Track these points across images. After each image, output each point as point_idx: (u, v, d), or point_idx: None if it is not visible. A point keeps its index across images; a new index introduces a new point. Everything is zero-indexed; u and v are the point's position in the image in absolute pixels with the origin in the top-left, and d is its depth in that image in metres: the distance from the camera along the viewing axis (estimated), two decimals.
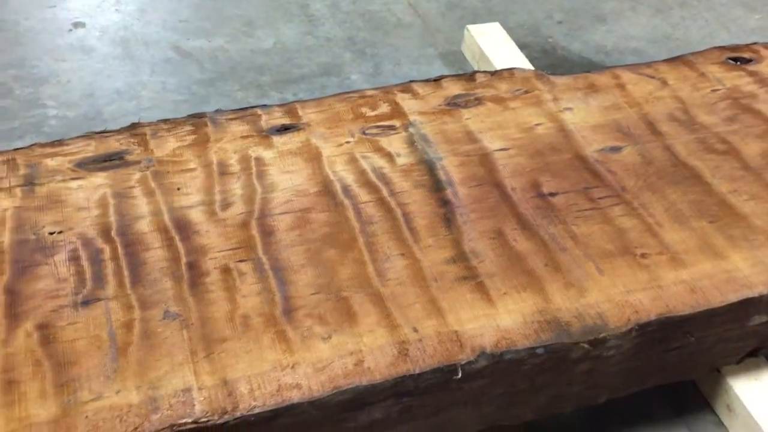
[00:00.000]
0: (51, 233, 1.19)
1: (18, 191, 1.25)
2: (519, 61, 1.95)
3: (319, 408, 0.99)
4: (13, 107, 1.83)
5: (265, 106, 1.45)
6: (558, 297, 1.14)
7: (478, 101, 1.51)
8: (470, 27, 2.09)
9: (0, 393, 0.97)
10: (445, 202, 1.28)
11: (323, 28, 2.18)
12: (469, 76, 1.57)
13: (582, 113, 1.50)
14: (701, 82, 1.58)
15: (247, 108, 1.45)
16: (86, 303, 1.09)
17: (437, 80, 1.55)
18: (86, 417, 0.95)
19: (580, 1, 2.41)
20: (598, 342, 1.09)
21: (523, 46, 2.08)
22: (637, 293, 1.15)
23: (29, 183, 1.27)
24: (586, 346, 1.09)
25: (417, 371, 1.03)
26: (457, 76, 1.57)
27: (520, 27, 2.27)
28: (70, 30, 2.11)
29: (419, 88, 1.53)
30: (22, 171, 1.29)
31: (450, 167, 1.35)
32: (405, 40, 2.18)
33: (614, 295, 1.14)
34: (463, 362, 1.04)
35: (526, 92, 1.54)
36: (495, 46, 2.02)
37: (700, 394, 1.32)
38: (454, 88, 1.54)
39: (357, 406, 1.02)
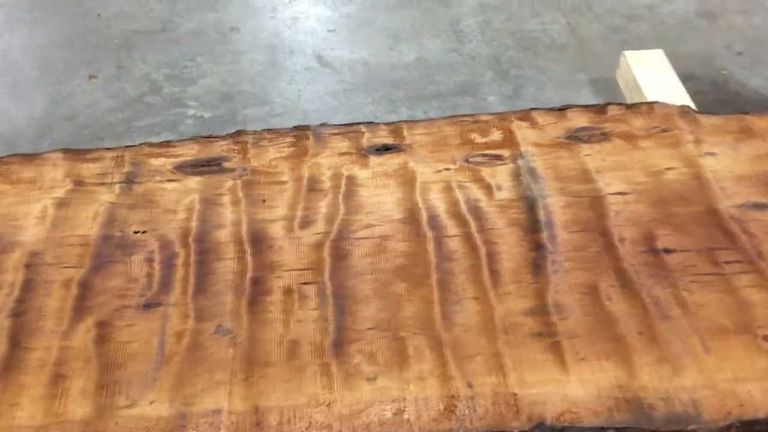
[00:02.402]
0: (135, 232, 1.21)
1: (117, 188, 1.29)
2: (677, 94, 1.75)
3: None
4: (158, 105, 1.93)
5: (371, 123, 1.40)
6: (646, 373, 0.97)
7: (604, 136, 1.35)
8: (627, 53, 1.91)
9: (46, 385, 0.99)
10: (538, 246, 1.15)
11: (469, 46, 2.10)
12: (600, 108, 1.42)
13: (727, 160, 1.30)
14: None
15: (352, 124, 1.41)
16: (147, 306, 1.09)
17: (562, 110, 1.42)
18: (116, 423, 0.95)
19: None
20: None
21: (688, 78, 1.87)
22: (747, 382, 0.96)
23: (129, 180, 1.30)
24: None
25: None
26: (586, 107, 1.42)
27: (690, 55, 2.05)
28: (226, 34, 2.19)
29: (539, 117, 1.40)
30: (126, 168, 1.33)
31: (553, 207, 1.22)
32: (555, 63, 2.04)
33: (718, 381, 0.96)
34: (515, 431, 0.92)
35: (664, 131, 1.36)
36: (651, 75, 1.83)
37: None
38: (579, 120, 1.39)
39: None
